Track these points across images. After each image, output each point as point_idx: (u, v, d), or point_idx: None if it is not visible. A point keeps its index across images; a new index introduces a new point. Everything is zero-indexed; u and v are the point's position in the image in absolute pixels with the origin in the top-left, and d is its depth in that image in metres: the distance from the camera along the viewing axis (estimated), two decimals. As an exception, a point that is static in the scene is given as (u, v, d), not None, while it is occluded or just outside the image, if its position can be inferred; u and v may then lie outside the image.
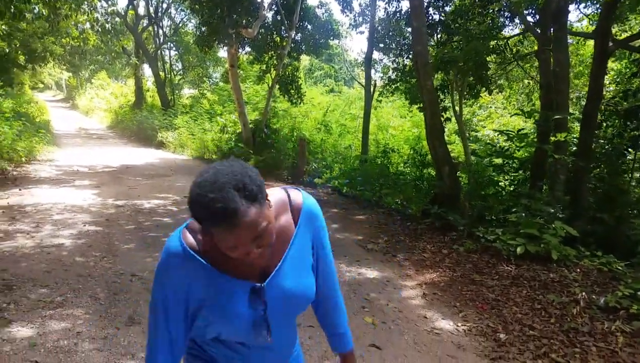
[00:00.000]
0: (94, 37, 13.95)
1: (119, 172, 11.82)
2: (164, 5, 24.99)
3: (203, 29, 13.44)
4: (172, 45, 26.79)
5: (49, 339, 3.42)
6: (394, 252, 6.18)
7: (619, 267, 5.43)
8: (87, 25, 11.64)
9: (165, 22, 26.53)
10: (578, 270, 5.36)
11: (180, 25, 26.28)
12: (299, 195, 1.35)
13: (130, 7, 23.90)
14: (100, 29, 11.62)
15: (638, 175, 10.01)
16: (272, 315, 1.26)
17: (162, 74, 24.56)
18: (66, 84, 46.22)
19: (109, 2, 17.50)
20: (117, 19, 22.29)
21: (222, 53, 21.93)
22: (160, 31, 25.69)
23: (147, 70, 27.88)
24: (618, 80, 11.01)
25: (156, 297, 1.23)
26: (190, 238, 1.21)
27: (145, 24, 25.77)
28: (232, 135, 15.31)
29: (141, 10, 25.66)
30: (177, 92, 25.90)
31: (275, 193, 1.32)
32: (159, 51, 25.28)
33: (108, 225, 6.70)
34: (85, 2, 10.10)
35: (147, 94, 27.38)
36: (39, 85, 41.58)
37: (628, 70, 10.04)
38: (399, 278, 5.24)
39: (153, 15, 24.48)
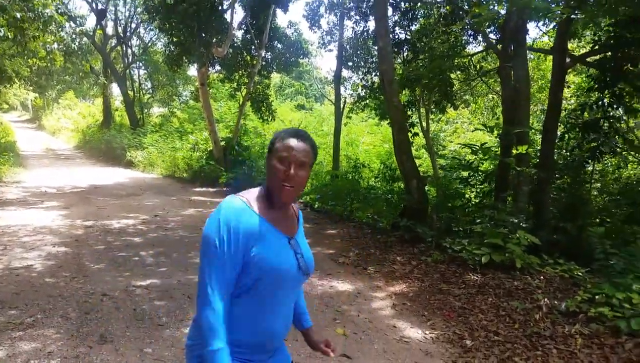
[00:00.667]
0: (61, 58, 13.84)
1: (87, 193, 11.68)
2: (133, 25, 24.94)
3: (173, 48, 13.51)
4: (141, 64, 26.66)
5: (19, 360, 3.40)
6: (365, 265, 6.30)
7: (580, 274, 5.66)
8: (55, 45, 11.54)
9: (134, 41, 26.44)
10: (541, 277, 5.56)
11: (150, 44, 26.22)
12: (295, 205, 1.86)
13: (98, 26, 23.77)
14: (65, 48, 11.52)
15: (599, 185, 10.44)
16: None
17: (131, 93, 24.40)
18: (32, 104, 45.35)
19: (77, 22, 17.40)
20: (85, 38, 22.13)
21: (192, 71, 22.01)
22: (129, 50, 25.58)
23: (115, 89, 27.67)
24: (578, 93, 11.46)
25: (217, 238, 1.50)
26: (244, 199, 1.59)
27: (113, 44, 25.63)
28: (203, 153, 15.30)
29: (109, 30, 25.56)
30: (146, 110, 25.74)
31: None
32: (128, 70, 25.14)
33: (77, 246, 6.64)
34: (53, 23, 10.02)
35: (116, 113, 27.12)
36: (3, 106, 40.73)
37: (587, 84, 10.49)
38: (370, 290, 5.35)
39: (122, 34, 24.38)
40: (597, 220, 8.31)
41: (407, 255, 6.69)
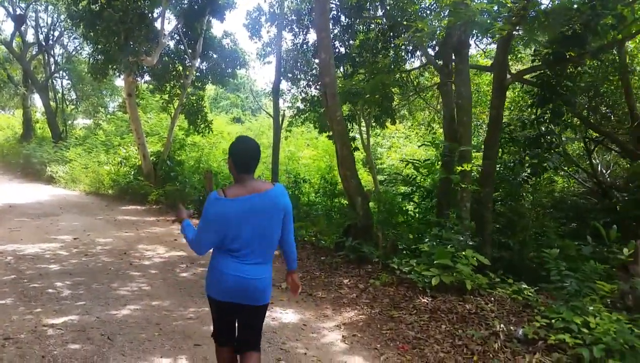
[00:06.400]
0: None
1: (0, 212, 10.55)
2: (56, 33, 23.37)
3: (98, 56, 12.58)
4: (64, 73, 25.03)
5: None
6: (310, 290, 5.87)
7: (530, 294, 5.49)
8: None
9: (57, 49, 24.73)
10: (492, 299, 5.35)
11: (74, 53, 24.65)
12: None
13: (17, 33, 22.06)
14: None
15: (531, 197, 10.56)
16: None
17: (53, 104, 22.80)
18: (-58, 114, 41.80)
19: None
20: (2, 46, 20.50)
21: (120, 82, 20.82)
22: (52, 59, 23.93)
23: (37, 100, 25.81)
24: (512, 107, 11.60)
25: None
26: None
27: (34, 52, 23.91)
28: (131, 168, 14.36)
29: (30, 38, 23.81)
30: (69, 122, 24.16)
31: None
32: (50, 80, 23.50)
33: (-20, 277, 5.78)
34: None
35: (37, 125, 25.29)
36: None
37: (522, 99, 10.63)
38: (317, 320, 4.92)
39: (43, 42, 22.77)
40: (532, 232, 8.34)
41: (354, 278, 6.33)
